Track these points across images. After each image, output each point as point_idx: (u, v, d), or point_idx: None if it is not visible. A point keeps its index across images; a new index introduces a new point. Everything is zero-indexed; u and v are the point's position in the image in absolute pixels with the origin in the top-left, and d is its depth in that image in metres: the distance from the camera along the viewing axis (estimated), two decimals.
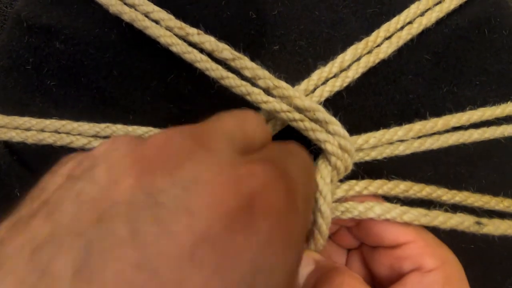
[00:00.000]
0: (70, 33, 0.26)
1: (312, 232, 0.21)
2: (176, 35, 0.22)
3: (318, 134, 0.20)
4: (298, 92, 0.20)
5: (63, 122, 0.24)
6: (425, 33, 0.25)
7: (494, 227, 0.22)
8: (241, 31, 0.25)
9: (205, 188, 0.12)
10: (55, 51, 0.26)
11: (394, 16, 0.25)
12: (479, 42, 0.26)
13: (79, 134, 0.23)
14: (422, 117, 0.24)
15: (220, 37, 0.23)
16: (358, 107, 0.25)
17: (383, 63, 0.25)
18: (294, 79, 0.23)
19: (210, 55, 0.22)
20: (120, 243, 0.10)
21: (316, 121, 0.20)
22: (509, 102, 0.25)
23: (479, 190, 0.24)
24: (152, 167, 0.12)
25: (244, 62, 0.21)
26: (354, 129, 0.23)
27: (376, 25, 0.25)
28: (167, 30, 0.22)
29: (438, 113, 0.25)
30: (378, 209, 0.21)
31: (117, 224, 0.11)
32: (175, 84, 0.24)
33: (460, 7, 0.26)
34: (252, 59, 0.23)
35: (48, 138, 0.24)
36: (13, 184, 0.25)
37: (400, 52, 0.25)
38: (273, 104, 0.20)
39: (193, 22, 0.24)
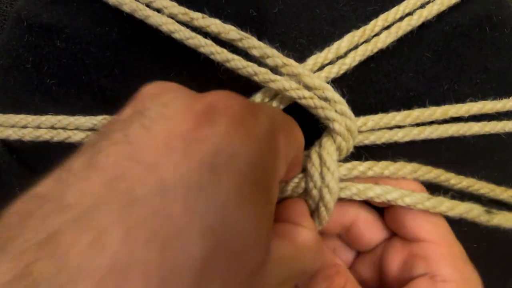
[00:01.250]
0: (71, 32, 0.26)
1: (317, 208, 0.21)
2: (180, 22, 0.22)
3: (327, 113, 0.20)
4: (307, 70, 0.20)
5: (59, 117, 0.24)
6: (426, 31, 0.25)
7: (505, 218, 0.22)
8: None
9: (178, 102, 0.15)
10: (55, 49, 0.26)
11: None
12: (480, 40, 0.26)
13: (76, 129, 0.23)
14: None
15: None
16: (359, 104, 0.24)
17: (384, 61, 0.25)
18: None
19: (214, 40, 0.22)
20: (116, 143, 0.14)
21: (324, 99, 0.20)
22: (511, 97, 0.25)
23: None
24: (143, 99, 0.16)
25: (252, 41, 0.21)
26: None
27: None
28: (170, 17, 0.22)
29: None
30: (377, 189, 0.21)
31: (114, 133, 0.14)
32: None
33: (462, 4, 0.25)
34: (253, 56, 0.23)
35: (45, 135, 0.24)
36: (12, 183, 0.25)
37: (401, 49, 0.25)
38: (281, 82, 0.20)
39: None
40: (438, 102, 0.24)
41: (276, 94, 0.21)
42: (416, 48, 0.25)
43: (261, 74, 0.20)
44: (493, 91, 0.25)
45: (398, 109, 0.24)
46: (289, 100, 0.21)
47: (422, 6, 0.24)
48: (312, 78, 0.20)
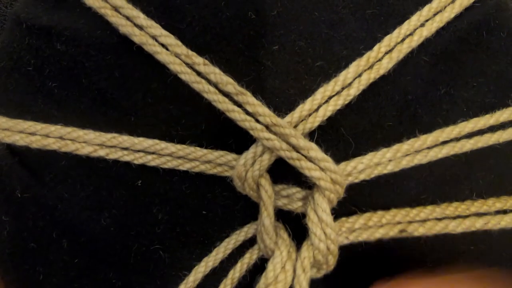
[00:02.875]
0: (71, 35, 0.26)
1: (327, 258, 0.23)
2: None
3: (313, 173, 0.22)
4: (294, 131, 0.22)
5: (69, 129, 0.24)
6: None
7: (426, 229, 0.24)
8: (241, 31, 0.25)
9: None
10: (56, 52, 0.26)
11: (393, 16, 0.25)
12: (476, 44, 0.26)
13: (84, 142, 0.24)
14: (420, 119, 0.25)
15: (220, 37, 0.24)
16: (357, 107, 0.25)
17: None
18: (293, 79, 0.24)
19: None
20: None
21: (310, 158, 0.22)
22: (503, 109, 0.25)
23: (476, 191, 0.25)
24: None
25: (246, 98, 0.22)
26: (352, 130, 0.24)
27: (376, 25, 0.25)
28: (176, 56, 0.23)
29: (434, 115, 0.25)
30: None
31: None
32: (175, 86, 0.25)
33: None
34: (252, 59, 0.23)
35: (53, 144, 0.24)
36: (14, 186, 0.26)
37: None
38: (274, 142, 0.22)
39: (193, 22, 0.24)
40: (434, 106, 0.25)
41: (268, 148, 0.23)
42: (414, 52, 0.25)
43: (257, 130, 0.22)
44: (489, 94, 0.26)
45: (396, 112, 0.25)
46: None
47: (422, 24, 0.25)
48: (298, 139, 0.22)
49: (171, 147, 0.23)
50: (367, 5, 0.26)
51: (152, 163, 0.24)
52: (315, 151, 0.22)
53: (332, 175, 0.22)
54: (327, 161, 0.22)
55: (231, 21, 0.25)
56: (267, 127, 0.22)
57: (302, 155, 0.22)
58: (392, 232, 0.24)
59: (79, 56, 0.26)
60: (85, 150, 0.23)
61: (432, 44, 0.26)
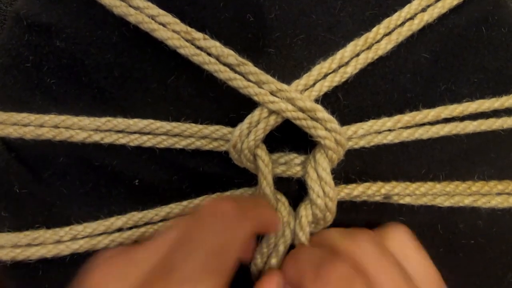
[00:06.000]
0: (72, 33, 0.26)
1: (324, 214, 0.23)
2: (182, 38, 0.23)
3: (319, 132, 0.22)
4: (300, 94, 0.22)
5: (63, 117, 0.24)
6: (423, 32, 0.25)
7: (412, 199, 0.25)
8: (239, 34, 0.25)
9: None
10: (55, 49, 0.26)
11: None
12: (476, 40, 0.26)
13: (79, 129, 0.23)
14: None
15: (218, 39, 0.23)
16: (355, 108, 0.25)
17: (381, 63, 0.25)
18: (289, 82, 0.24)
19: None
20: None
21: (316, 119, 0.22)
22: (510, 95, 0.25)
23: None
24: None
25: (249, 68, 0.22)
26: None
27: (374, 27, 0.25)
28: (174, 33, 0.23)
29: None
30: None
31: None
32: (175, 87, 0.25)
33: (458, 6, 0.26)
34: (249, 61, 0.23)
35: (46, 133, 0.24)
36: (11, 181, 0.25)
37: (398, 51, 0.25)
38: (279, 104, 0.22)
39: (192, 23, 0.24)
40: (435, 103, 0.25)
41: (273, 112, 0.23)
42: (413, 50, 0.25)
43: (261, 95, 0.22)
44: (490, 90, 0.26)
45: (395, 111, 0.25)
46: (285, 117, 0.23)
47: (423, 9, 0.25)
48: (304, 101, 0.22)
49: (166, 125, 0.23)
50: (365, 7, 0.26)
51: (148, 144, 0.23)
52: (322, 112, 0.22)
53: (336, 136, 0.22)
54: (333, 122, 0.22)
55: (229, 23, 0.25)
56: (271, 93, 0.23)
57: (308, 116, 0.23)
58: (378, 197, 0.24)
59: (79, 54, 0.26)
60: (79, 136, 0.23)
61: (432, 41, 0.26)
